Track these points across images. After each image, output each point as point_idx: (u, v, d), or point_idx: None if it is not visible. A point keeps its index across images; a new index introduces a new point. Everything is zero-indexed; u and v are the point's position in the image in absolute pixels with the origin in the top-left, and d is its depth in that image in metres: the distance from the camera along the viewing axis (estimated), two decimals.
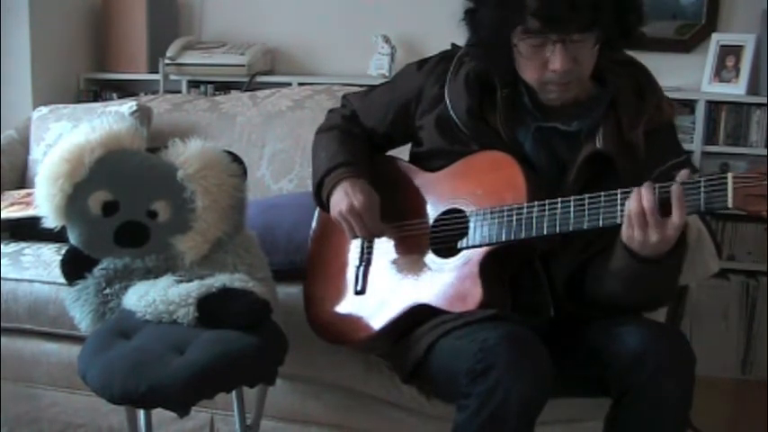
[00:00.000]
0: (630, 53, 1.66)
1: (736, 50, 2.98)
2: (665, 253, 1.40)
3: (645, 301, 1.60)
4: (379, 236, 1.69)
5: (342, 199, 1.66)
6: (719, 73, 3.01)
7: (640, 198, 1.37)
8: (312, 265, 1.85)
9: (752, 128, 2.94)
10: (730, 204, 1.29)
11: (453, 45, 1.72)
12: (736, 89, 2.96)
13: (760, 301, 2.97)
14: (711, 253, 1.88)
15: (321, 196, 1.73)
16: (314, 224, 1.89)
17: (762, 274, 2.98)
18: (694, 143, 2.93)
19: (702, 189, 1.32)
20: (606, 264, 1.50)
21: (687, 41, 3.09)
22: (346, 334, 1.71)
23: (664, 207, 1.36)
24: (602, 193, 1.43)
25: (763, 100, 2.90)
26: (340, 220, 1.67)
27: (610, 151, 1.53)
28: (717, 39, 3.02)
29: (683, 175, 1.36)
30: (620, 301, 1.54)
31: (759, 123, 2.93)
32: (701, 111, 2.93)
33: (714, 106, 2.95)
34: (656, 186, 1.37)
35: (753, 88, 2.96)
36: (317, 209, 1.88)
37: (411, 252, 1.67)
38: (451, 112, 1.63)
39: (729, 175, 1.30)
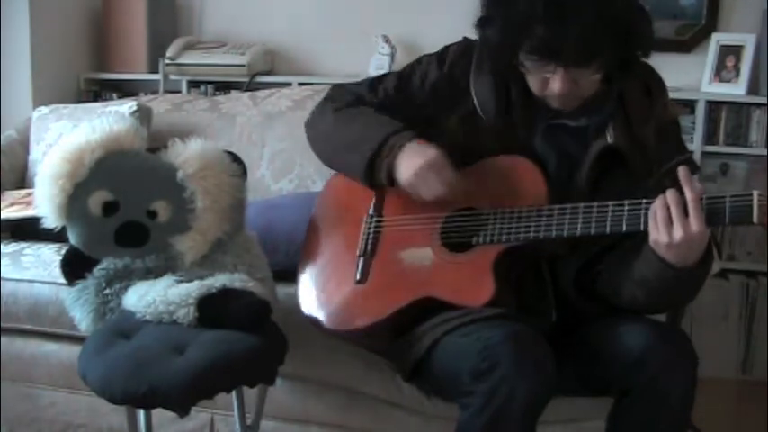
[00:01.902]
0: None
1: (736, 50, 2.98)
2: (694, 263, 1.40)
3: (664, 307, 1.63)
4: (454, 186, 1.57)
5: (415, 156, 1.56)
6: (719, 73, 3.01)
7: (665, 196, 1.38)
8: (308, 255, 1.82)
9: (752, 128, 2.94)
10: (755, 221, 1.32)
11: (465, 38, 1.71)
12: (736, 89, 2.96)
13: (760, 301, 2.97)
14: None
15: (378, 162, 1.60)
16: (312, 214, 1.87)
17: (762, 274, 2.98)
18: (694, 143, 2.92)
19: (728, 204, 1.35)
20: (627, 272, 1.51)
21: (687, 41, 3.09)
22: (344, 322, 1.68)
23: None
24: (626, 201, 1.44)
25: (763, 100, 2.90)
26: (416, 179, 1.56)
27: (621, 146, 1.54)
28: (717, 39, 3.02)
29: (697, 189, 1.37)
30: (639, 307, 1.55)
31: (759, 123, 2.93)
32: (701, 111, 2.93)
33: (714, 106, 2.95)
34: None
35: (753, 88, 2.96)
36: (317, 199, 1.87)
37: (420, 244, 1.65)
38: (479, 109, 1.63)
39: (755, 193, 1.33)
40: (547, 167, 1.59)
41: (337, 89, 1.82)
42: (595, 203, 1.47)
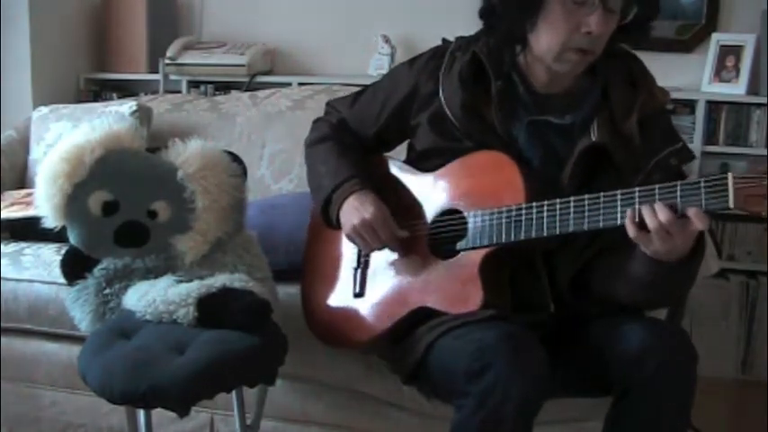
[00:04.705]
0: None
1: (736, 50, 2.98)
2: (684, 254, 1.39)
3: (661, 301, 1.63)
4: (394, 246, 1.66)
5: (352, 214, 1.64)
6: (719, 73, 3.01)
7: (655, 214, 1.34)
8: (308, 267, 1.84)
9: (752, 128, 2.94)
10: (731, 205, 1.28)
11: (444, 40, 1.72)
12: (736, 89, 2.96)
13: (760, 301, 2.97)
14: (711, 253, 1.88)
15: (329, 213, 1.71)
16: (308, 227, 1.89)
17: (762, 274, 2.98)
18: (694, 143, 2.92)
19: (703, 190, 1.31)
20: (622, 269, 1.50)
21: (687, 41, 3.09)
22: (345, 336, 1.71)
23: (673, 208, 1.34)
24: (602, 194, 1.41)
25: (763, 100, 2.90)
26: (353, 236, 1.66)
27: (606, 143, 1.53)
28: (717, 39, 3.02)
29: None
30: (635, 302, 1.55)
31: (759, 123, 2.92)
32: (701, 111, 2.93)
33: (714, 106, 2.95)
34: (658, 190, 1.35)
35: (753, 88, 2.96)
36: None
37: (410, 253, 1.66)
38: (446, 109, 1.63)
39: (729, 175, 1.29)
40: (531, 164, 1.58)
41: (328, 105, 1.89)
42: (572, 198, 1.44)
